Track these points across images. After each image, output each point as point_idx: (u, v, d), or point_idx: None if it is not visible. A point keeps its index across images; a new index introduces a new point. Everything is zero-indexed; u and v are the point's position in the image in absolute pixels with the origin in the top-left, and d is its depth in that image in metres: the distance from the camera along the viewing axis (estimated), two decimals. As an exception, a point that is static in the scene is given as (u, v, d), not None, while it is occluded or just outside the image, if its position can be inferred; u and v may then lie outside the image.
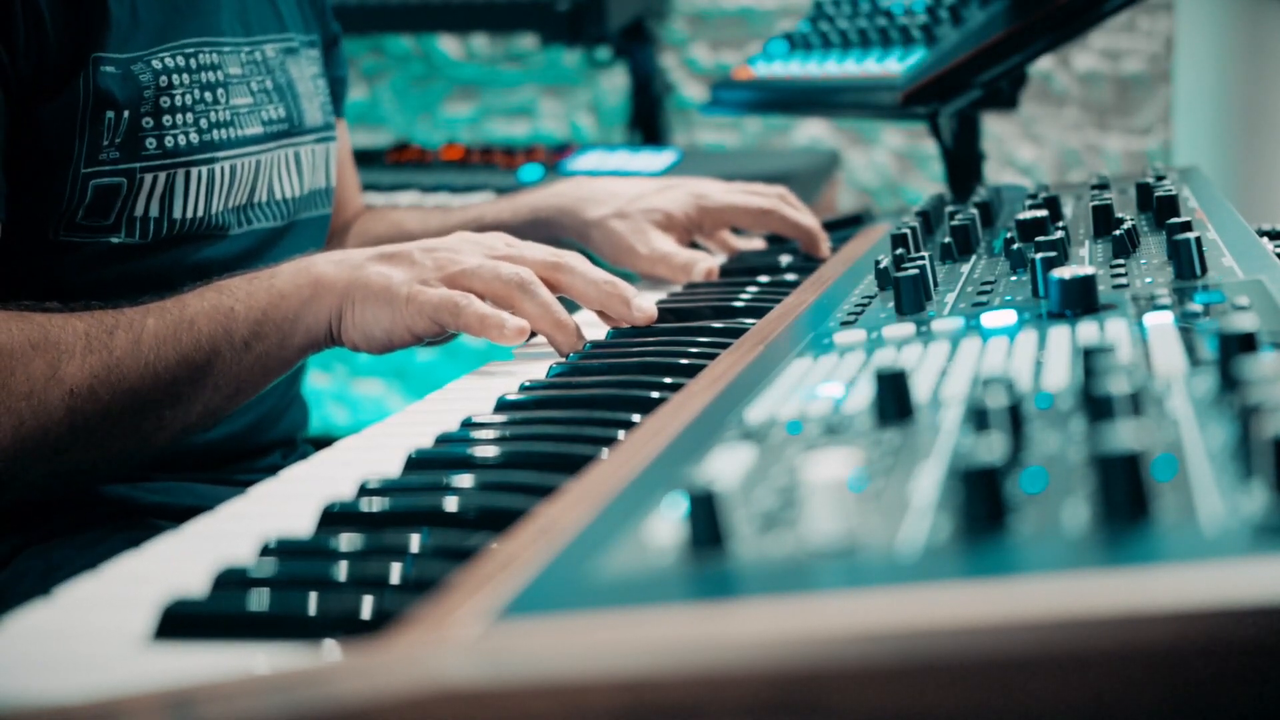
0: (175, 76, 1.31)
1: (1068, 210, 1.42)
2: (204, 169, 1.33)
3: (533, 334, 1.42)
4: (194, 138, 1.32)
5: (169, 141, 1.30)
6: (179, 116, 1.31)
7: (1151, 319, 0.86)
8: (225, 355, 1.18)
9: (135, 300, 1.20)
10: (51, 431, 1.13)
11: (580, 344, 1.21)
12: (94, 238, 1.27)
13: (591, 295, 1.25)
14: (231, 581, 0.73)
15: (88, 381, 1.14)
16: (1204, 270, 1.00)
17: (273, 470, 1.47)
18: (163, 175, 1.29)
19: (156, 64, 1.29)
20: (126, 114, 1.26)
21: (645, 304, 1.25)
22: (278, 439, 1.52)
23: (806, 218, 1.58)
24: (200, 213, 1.33)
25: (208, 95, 1.34)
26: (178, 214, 1.31)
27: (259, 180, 1.41)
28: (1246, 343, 0.71)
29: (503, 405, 1.07)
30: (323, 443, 1.15)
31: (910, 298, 1.08)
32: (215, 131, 1.35)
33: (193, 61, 1.33)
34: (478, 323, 1.15)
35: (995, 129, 3.18)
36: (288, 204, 1.46)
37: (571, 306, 1.26)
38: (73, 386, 1.13)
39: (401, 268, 1.19)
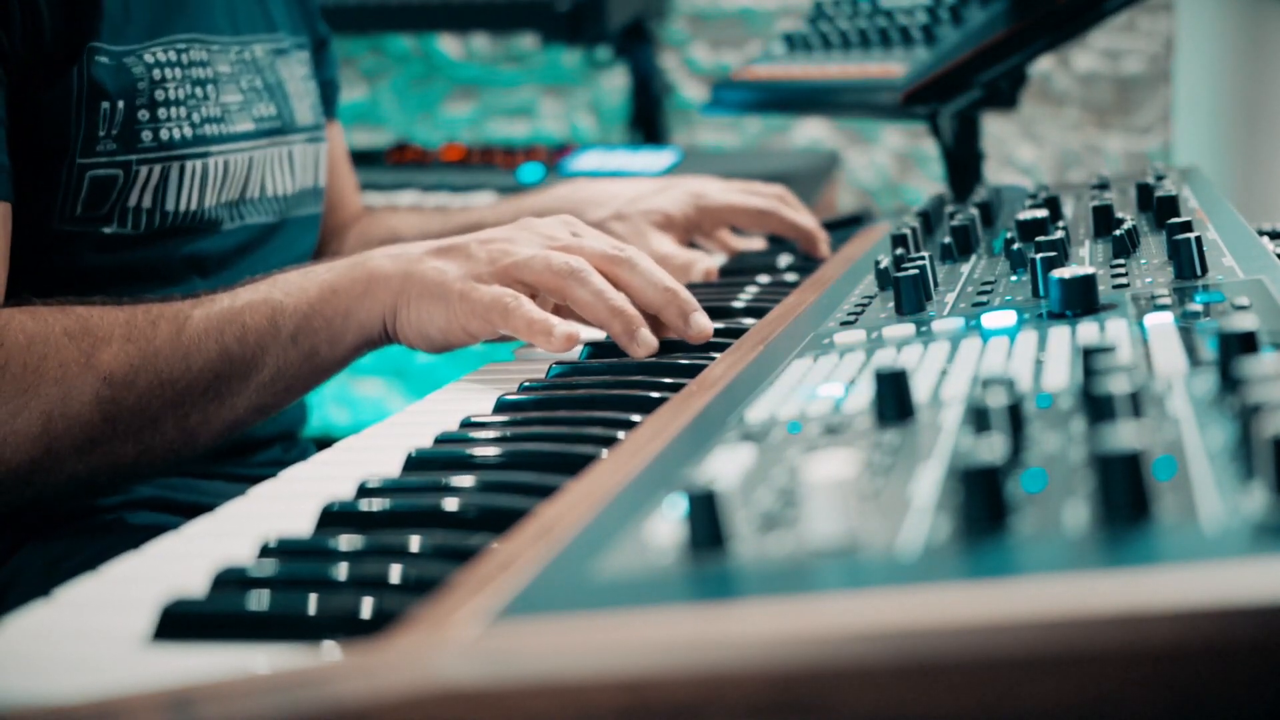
0: (167, 70, 1.31)
1: (1068, 210, 1.42)
2: (198, 163, 1.33)
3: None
4: (187, 131, 1.32)
5: (164, 134, 1.30)
6: (173, 110, 1.31)
7: (1152, 319, 0.86)
8: (271, 350, 1.15)
9: (186, 290, 1.18)
10: (83, 420, 1.10)
11: (644, 333, 1.14)
12: (87, 228, 1.27)
13: (649, 297, 1.16)
14: (231, 581, 0.73)
15: (123, 370, 1.11)
16: (1204, 270, 1.00)
17: (273, 464, 1.47)
18: (158, 168, 1.29)
19: (149, 58, 1.29)
20: (121, 105, 1.26)
21: (703, 321, 1.16)
22: (277, 433, 1.53)
23: (805, 218, 1.58)
24: (194, 206, 1.33)
25: (198, 90, 1.34)
26: (170, 207, 1.31)
27: (251, 176, 1.41)
28: (1247, 343, 0.71)
29: (503, 405, 1.07)
30: (323, 443, 1.15)
31: (910, 298, 1.08)
32: (207, 126, 1.35)
33: (183, 57, 1.33)
34: (525, 327, 1.11)
35: (995, 129, 3.18)
36: (280, 201, 1.46)
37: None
38: (107, 374, 1.11)
39: (456, 262, 1.15)
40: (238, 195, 1.39)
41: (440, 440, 0.97)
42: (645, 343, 1.14)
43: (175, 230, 1.33)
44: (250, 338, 1.14)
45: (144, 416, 1.13)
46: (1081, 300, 0.95)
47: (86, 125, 1.24)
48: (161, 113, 1.29)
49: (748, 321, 1.22)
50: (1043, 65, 3.10)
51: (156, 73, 1.30)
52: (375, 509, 0.82)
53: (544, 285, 1.15)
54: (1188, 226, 1.04)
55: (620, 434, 0.92)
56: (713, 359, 1.09)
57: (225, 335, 1.14)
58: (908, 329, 1.01)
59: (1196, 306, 0.88)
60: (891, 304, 1.12)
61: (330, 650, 0.65)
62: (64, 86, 1.22)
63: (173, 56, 1.32)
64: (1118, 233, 1.14)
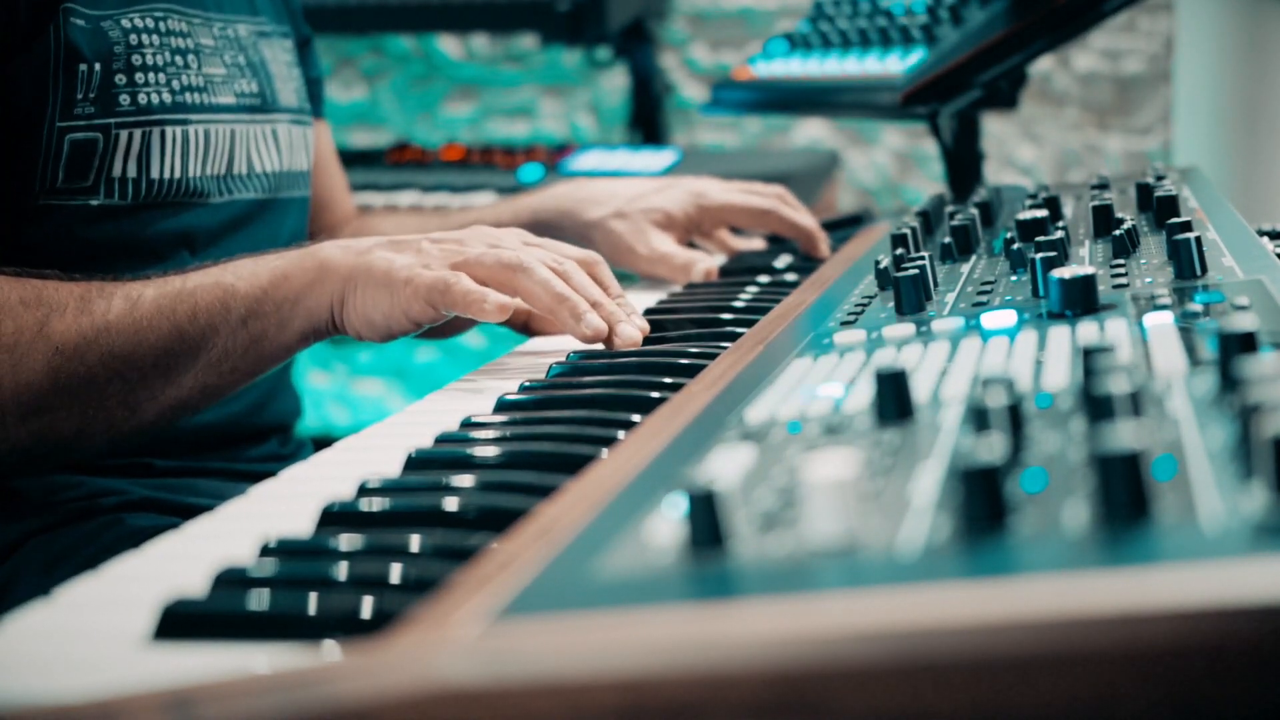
0: (145, 36, 1.32)
1: (1068, 210, 1.42)
2: (178, 130, 1.34)
3: (531, 332, 1.42)
4: (166, 97, 1.33)
5: (142, 99, 1.31)
6: (151, 75, 1.32)
7: (1151, 319, 0.86)
8: (221, 331, 1.17)
9: (136, 273, 1.20)
10: (33, 387, 1.13)
11: (590, 316, 1.17)
12: (74, 199, 1.28)
13: (545, 303, 1.18)
14: (231, 581, 0.73)
15: (75, 341, 1.14)
16: (1204, 270, 1.00)
17: (269, 458, 1.48)
18: (138, 133, 1.30)
19: (125, 23, 1.30)
20: (99, 67, 1.27)
21: (594, 320, 1.18)
22: (272, 424, 1.53)
23: (805, 218, 1.59)
24: (178, 174, 1.34)
25: (178, 59, 1.36)
26: (155, 174, 1.32)
27: (236, 150, 1.42)
28: (1246, 343, 0.71)
29: (503, 405, 1.07)
30: (323, 443, 1.15)
31: (910, 298, 1.08)
32: (188, 94, 1.36)
33: (162, 25, 1.35)
34: (462, 299, 1.13)
35: (995, 129, 3.18)
36: (268, 178, 1.46)
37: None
38: (59, 344, 1.13)
39: (407, 254, 1.18)
40: (224, 169, 1.40)
41: (440, 440, 0.97)
42: (592, 325, 1.17)
43: (163, 202, 1.34)
44: (201, 318, 1.17)
45: (91, 388, 1.15)
46: (1081, 300, 0.95)
47: (64, 87, 1.25)
48: (139, 77, 1.31)
49: (748, 321, 1.22)
50: (1043, 65, 3.10)
51: (133, 38, 1.31)
52: (375, 509, 0.82)
53: (493, 278, 1.17)
54: (1188, 226, 1.04)
55: (620, 434, 0.92)
56: (713, 358, 1.09)
57: (177, 313, 1.16)
58: (908, 329, 1.01)
59: (1196, 306, 0.88)
60: (891, 304, 1.12)
61: (330, 650, 0.65)
62: (41, 49, 1.24)
63: (150, 23, 1.33)
64: (1118, 233, 1.14)
